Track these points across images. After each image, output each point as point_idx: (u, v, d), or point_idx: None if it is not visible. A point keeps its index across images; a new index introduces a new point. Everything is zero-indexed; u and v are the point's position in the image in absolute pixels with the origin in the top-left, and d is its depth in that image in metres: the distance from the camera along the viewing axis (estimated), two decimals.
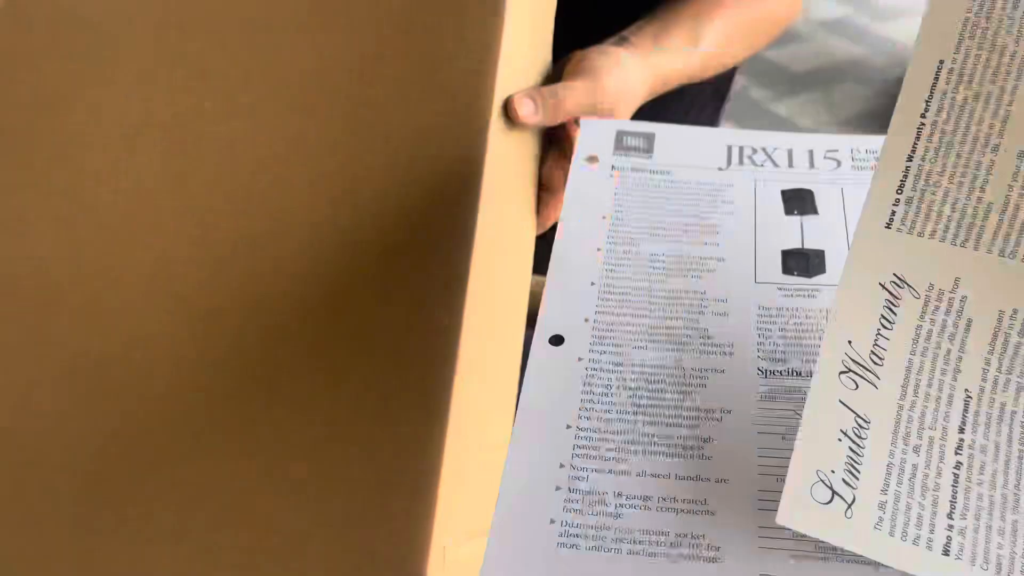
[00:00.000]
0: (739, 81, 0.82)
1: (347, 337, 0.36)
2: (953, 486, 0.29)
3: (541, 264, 0.49)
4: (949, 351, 0.30)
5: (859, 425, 0.29)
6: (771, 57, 2.75)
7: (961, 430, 0.29)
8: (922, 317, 0.30)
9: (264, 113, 0.38)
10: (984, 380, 0.30)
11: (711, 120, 0.81)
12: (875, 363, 0.30)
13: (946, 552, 0.28)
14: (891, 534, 0.28)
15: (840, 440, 0.29)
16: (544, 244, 0.48)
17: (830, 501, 0.28)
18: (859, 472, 0.29)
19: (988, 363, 0.30)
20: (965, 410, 0.30)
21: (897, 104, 0.30)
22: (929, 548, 0.28)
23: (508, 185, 0.41)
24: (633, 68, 0.48)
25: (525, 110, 0.40)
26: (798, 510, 0.28)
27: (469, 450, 0.37)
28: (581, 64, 0.46)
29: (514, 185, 0.43)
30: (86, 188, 0.40)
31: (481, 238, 0.37)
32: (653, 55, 0.50)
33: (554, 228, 0.50)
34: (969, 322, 0.30)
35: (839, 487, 0.29)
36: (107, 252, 0.39)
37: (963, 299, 0.30)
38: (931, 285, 0.30)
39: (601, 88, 0.45)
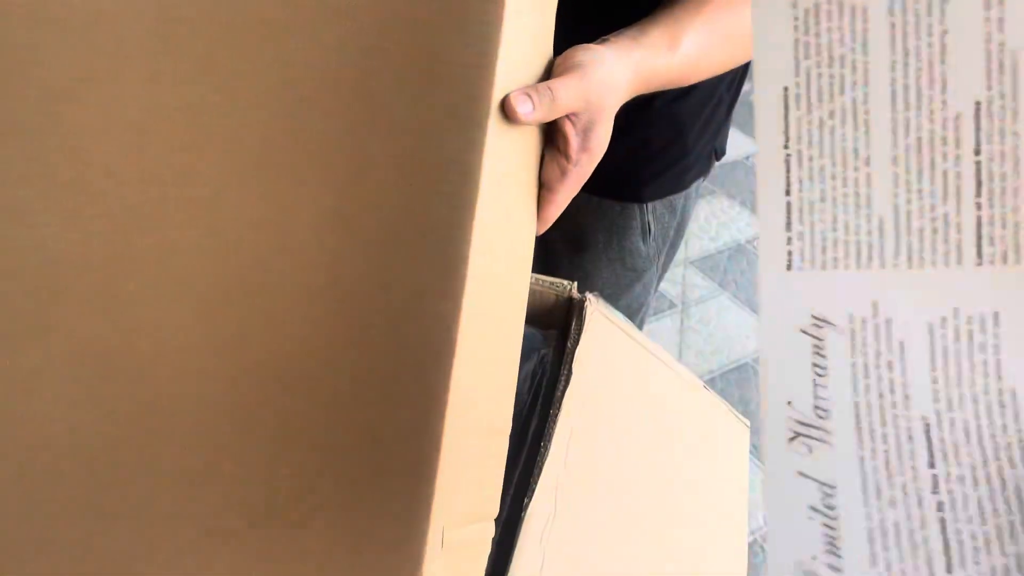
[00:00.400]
0: (744, 86, 0.83)
1: (348, 323, 0.37)
2: (942, 534, 0.26)
3: (539, 263, 0.50)
4: (892, 381, 0.27)
5: (826, 494, 0.26)
6: None
7: (931, 464, 0.27)
8: (853, 352, 0.28)
9: (269, 106, 0.39)
10: (937, 401, 0.27)
11: (727, 114, 0.82)
12: (821, 418, 0.27)
13: None
14: None
15: (811, 518, 0.26)
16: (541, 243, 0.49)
17: None
18: (841, 549, 0.26)
19: (936, 381, 0.27)
20: (928, 441, 0.27)
21: (756, 140, 0.29)
22: None
23: (508, 180, 0.42)
24: (615, 63, 0.49)
25: (523, 108, 0.40)
26: None
27: (468, 436, 0.37)
28: (567, 61, 0.47)
29: (515, 181, 0.44)
30: (93, 180, 0.40)
31: (479, 229, 0.37)
32: (633, 52, 0.51)
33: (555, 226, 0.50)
34: (902, 344, 0.27)
35: (825, 574, 0.26)
36: (113, 242, 0.40)
37: (888, 322, 0.28)
38: (851, 316, 0.28)
39: (590, 81, 0.46)
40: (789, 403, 0.27)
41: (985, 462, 0.26)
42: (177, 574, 0.37)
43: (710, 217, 2.16)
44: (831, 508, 0.26)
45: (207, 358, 0.38)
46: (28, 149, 0.41)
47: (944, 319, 0.27)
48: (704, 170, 0.84)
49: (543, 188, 0.48)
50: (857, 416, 0.27)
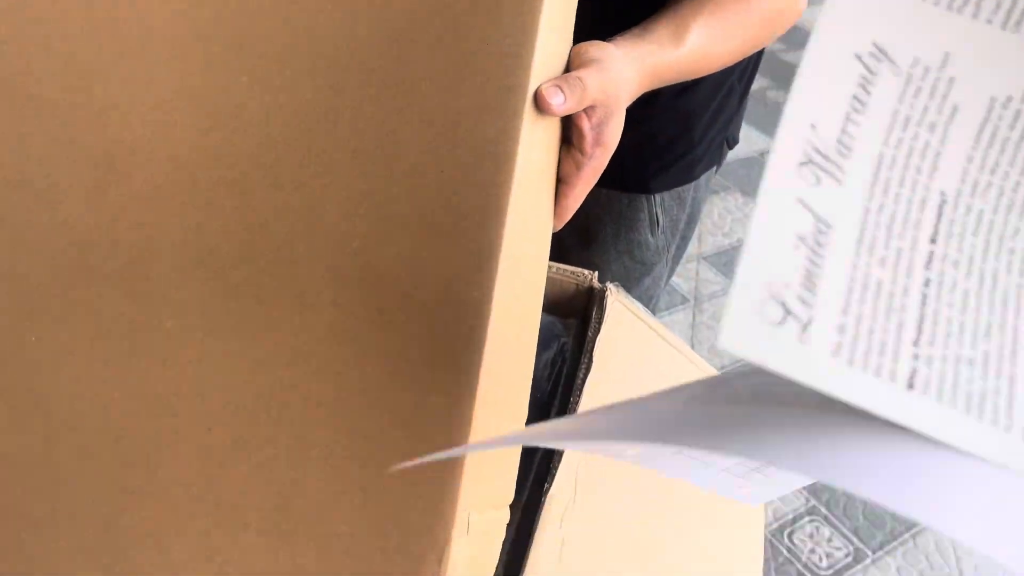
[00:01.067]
0: (758, 82, 0.83)
1: (380, 309, 0.37)
2: (921, 307, 0.24)
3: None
4: (928, 144, 0.25)
5: (820, 231, 0.24)
6: (789, 59, 2.75)
7: (933, 240, 0.25)
8: (901, 100, 0.25)
9: (299, 88, 0.39)
10: (963, 182, 0.25)
11: (739, 104, 0.82)
12: (841, 154, 0.25)
13: (911, 385, 0.24)
14: (850, 363, 0.23)
15: (797, 248, 0.24)
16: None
17: (782, 321, 0.23)
18: (817, 287, 0.24)
19: (971, 160, 0.25)
20: (939, 217, 0.25)
21: None
22: (892, 380, 0.24)
23: (537, 172, 0.42)
24: (623, 59, 0.50)
25: (556, 100, 0.41)
26: (744, 332, 0.23)
27: (494, 422, 0.37)
28: (582, 56, 0.47)
29: (541, 173, 0.44)
30: (121, 158, 0.41)
31: (510, 220, 0.37)
32: (640, 48, 0.52)
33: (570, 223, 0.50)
34: (955, 110, 0.25)
35: (793, 304, 0.23)
36: (141, 221, 0.40)
37: (951, 81, 0.25)
38: (916, 60, 0.25)
39: (607, 76, 0.46)
40: (814, 126, 0.25)
41: (984, 257, 0.25)
42: (203, 552, 0.37)
43: (724, 213, 2.16)
44: (820, 245, 0.24)
45: (234, 340, 0.38)
46: (54, 126, 0.41)
47: (1010, 99, 0.25)
48: (715, 160, 0.84)
49: (560, 182, 0.48)
50: (879, 166, 0.25)
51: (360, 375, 0.37)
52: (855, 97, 0.25)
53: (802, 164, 0.24)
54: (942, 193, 0.25)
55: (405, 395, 0.36)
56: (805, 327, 0.23)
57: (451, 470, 0.35)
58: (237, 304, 0.38)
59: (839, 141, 0.25)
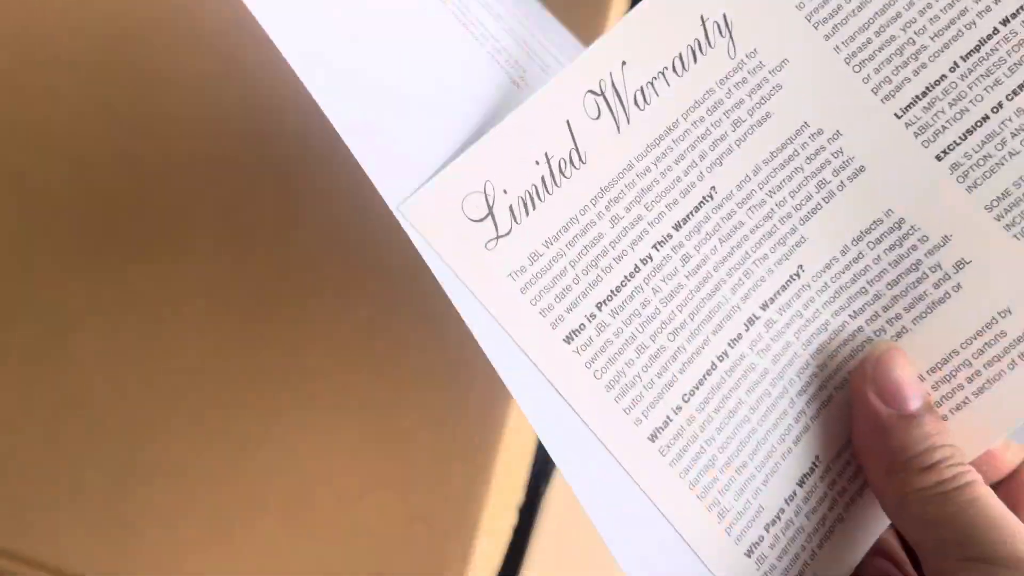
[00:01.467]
0: None
1: (416, 308, 0.37)
2: (626, 277, 0.23)
3: None
4: (724, 136, 0.24)
5: (570, 160, 0.23)
6: None
7: (678, 226, 0.24)
8: (722, 84, 0.24)
9: None
10: (739, 188, 0.24)
11: None
12: (637, 103, 0.23)
13: (568, 339, 0.23)
14: (523, 291, 0.23)
15: (538, 163, 0.23)
16: None
17: (480, 220, 0.22)
18: (534, 210, 0.23)
19: (756, 172, 0.25)
20: (697, 209, 0.24)
21: None
22: (553, 327, 0.23)
23: None
24: None
25: None
26: (433, 208, 0.22)
27: (520, 423, 0.38)
28: None
29: None
30: (160, 127, 0.40)
31: None
32: None
33: None
34: (766, 116, 0.24)
35: (500, 212, 0.22)
36: (176, 190, 0.39)
37: (776, 87, 0.24)
38: (755, 52, 0.24)
39: None
40: (624, 63, 0.23)
41: (718, 268, 0.24)
42: (219, 535, 0.37)
43: None
44: (562, 174, 0.23)
45: (264, 324, 0.38)
46: (89, 90, 0.40)
47: (820, 131, 0.25)
48: None
49: None
50: (667, 133, 0.24)
51: (397, 371, 0.36)
52: (680, 57, 0.23)
53: (592, 92, 0.23)
54: (713, 188, 0.24)
55: (440, 393, 0.36)
56: (498, 238, 0.22)
57: (482, 470, 0.35)
58: (272, 287, 0.38)
59: (641, 90, 0.23)
